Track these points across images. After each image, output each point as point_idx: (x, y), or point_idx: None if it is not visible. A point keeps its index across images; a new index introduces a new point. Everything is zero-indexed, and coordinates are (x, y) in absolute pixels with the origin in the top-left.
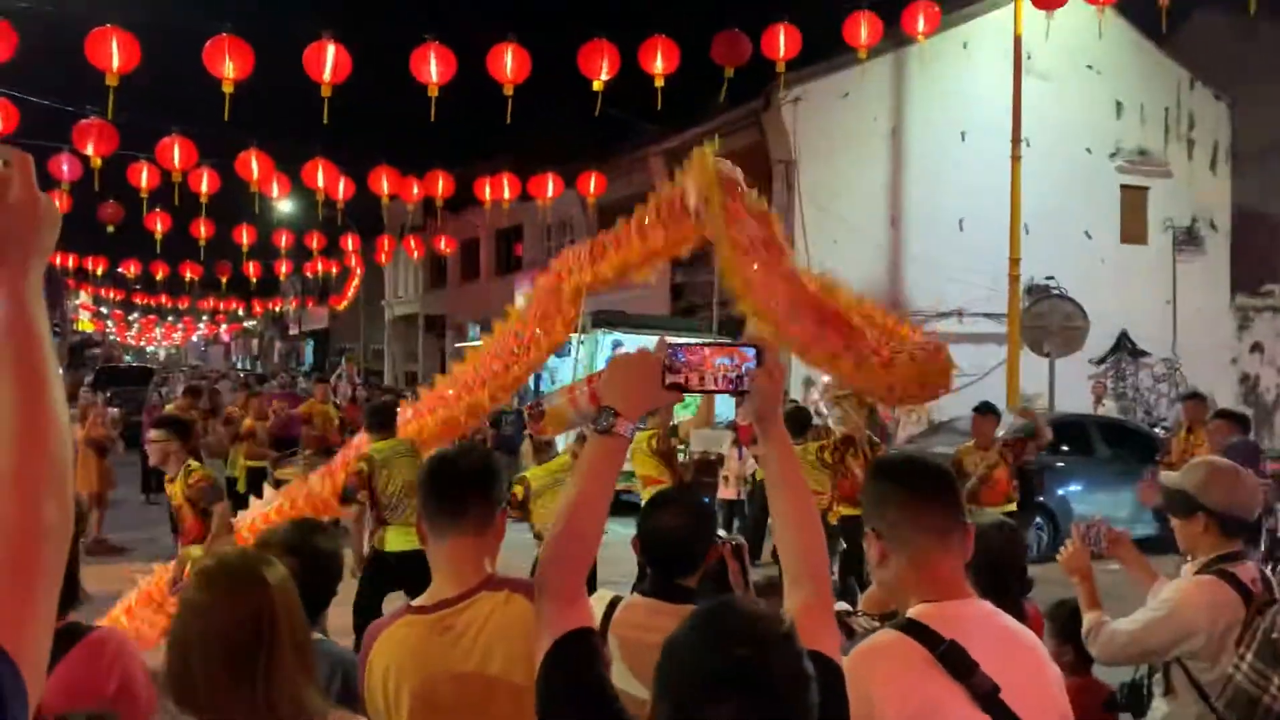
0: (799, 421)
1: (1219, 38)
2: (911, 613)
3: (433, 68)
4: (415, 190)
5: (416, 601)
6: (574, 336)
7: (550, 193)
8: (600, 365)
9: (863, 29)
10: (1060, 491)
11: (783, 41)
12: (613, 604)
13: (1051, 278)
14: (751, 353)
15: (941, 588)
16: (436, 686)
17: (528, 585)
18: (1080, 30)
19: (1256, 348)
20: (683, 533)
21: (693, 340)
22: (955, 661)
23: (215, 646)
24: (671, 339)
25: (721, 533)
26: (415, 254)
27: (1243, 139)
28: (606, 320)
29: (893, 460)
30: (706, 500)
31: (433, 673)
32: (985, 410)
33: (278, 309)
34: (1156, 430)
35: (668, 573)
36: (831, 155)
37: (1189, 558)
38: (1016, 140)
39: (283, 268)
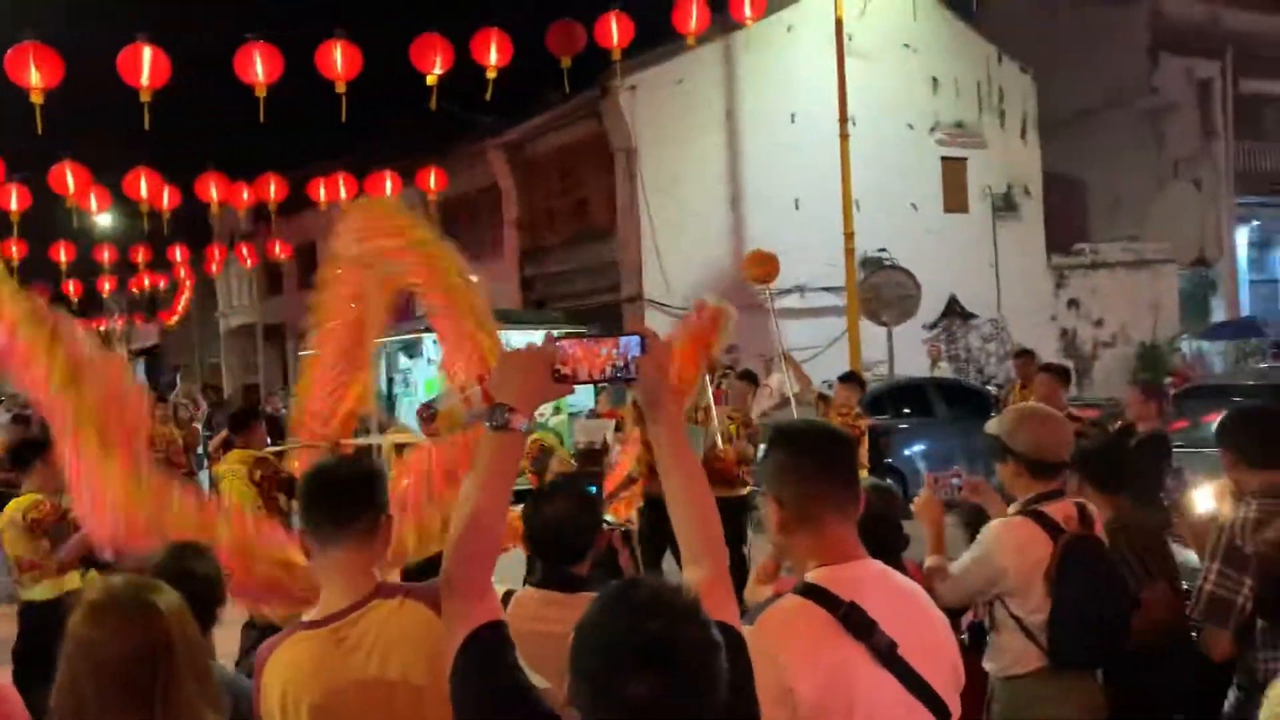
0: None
1: (1022, 13)
2: (810, 577)
3: (258, 68)
4: (246, 196)
5: (307, 617)
6: (425, 336)
7: (389, 191)
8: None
9: (692, 15)
10: (906, 452)
11: (615, 30)
12: (504, 599)
13: (884, 250)
14: (636, 340)
15: (838, 551)
16: (336, 698)
17: (422, 589)
18: (896, 10)
19: (1073, 304)
20: (569, 521)
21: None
22: (856, 622)
23: (109, 682)
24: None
25: (610, 518)
26: (249, 262)
27: (1048, 109)
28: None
29: (793, 429)
30: (592, 489)
31: (332, 685)
32: (848, 379)
33: (103, 329)
34: (989, 387)
35: (557, 562)
36: (670, 141)
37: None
38: (843, 119)
39: (106, 285)
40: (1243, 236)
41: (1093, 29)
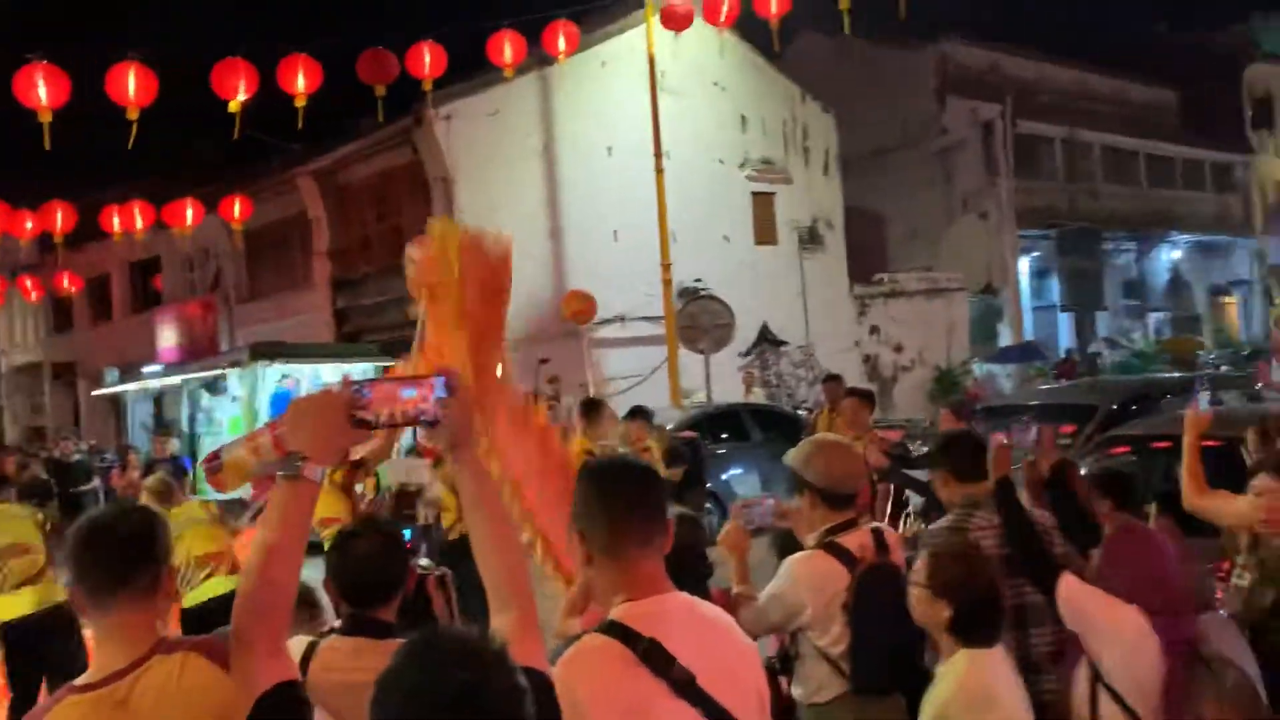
0: None
1: (823, 56)
2: (614, 613)
3: (41, 91)
4: (29, 225)
5: (80, 680)
6: (229, 372)
7: (190, 220)
8: (262, 401)
9: (506, 48)
10: (723, 476)
11: (428, 60)
12: (309, 650)
13: (700, 280)
14: (440, 382)
15: (643, 586)
16: None
17: (207, 643)
18: (705, 50)
19: (874, 330)
20: (376, 564)
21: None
22: (655, 657)
23: None
24: (356, 375)
25: (424, 562)
26: (33, 296)
27: (848, 147)
28: (266, 352)
29: (599, 465)
30: (405, 530)
31: None
32: (633, 414)
33: None
34: (799, 411)
35: (363, 607)
36: (487, 171)
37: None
38: (658, 154)
39: None
40: (1025, 266)
41: (887, 72)
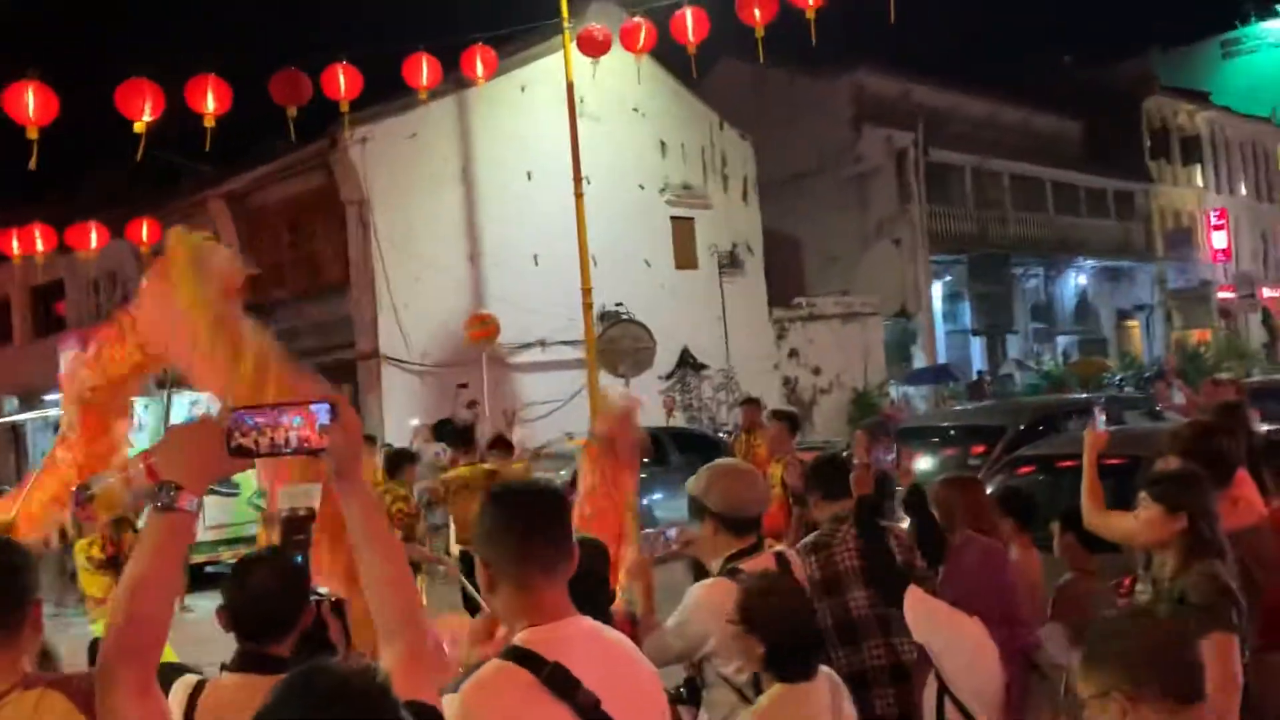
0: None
1: (741, 83)
2: (517, 639)
3: None
4: None
5: None
6: (137, 400)
7: (94, 243)
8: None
9: (423, 70)
10: (644, 501)
11: (343, 81)
12: (196, 689)
13: (620, 304)
14: (325, 408)
15: (547, 611)
16: None
17: (66, 680)
18: (624, 75)
19: (793, 354)
20: (271, 597)
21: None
22: (559, 682)
23: None
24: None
25: (323, 590)
26: None
27: (766, 172)
28: (175, 380)
29: (504, 490)
30: (299, 559)
31: None
32: (494, 443)
33: None
34: (720, 435)
35: (256, 642)
36: (406, 194)
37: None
38: (578, 179)
39: None
40: (938, 290)
41: (803, 99)
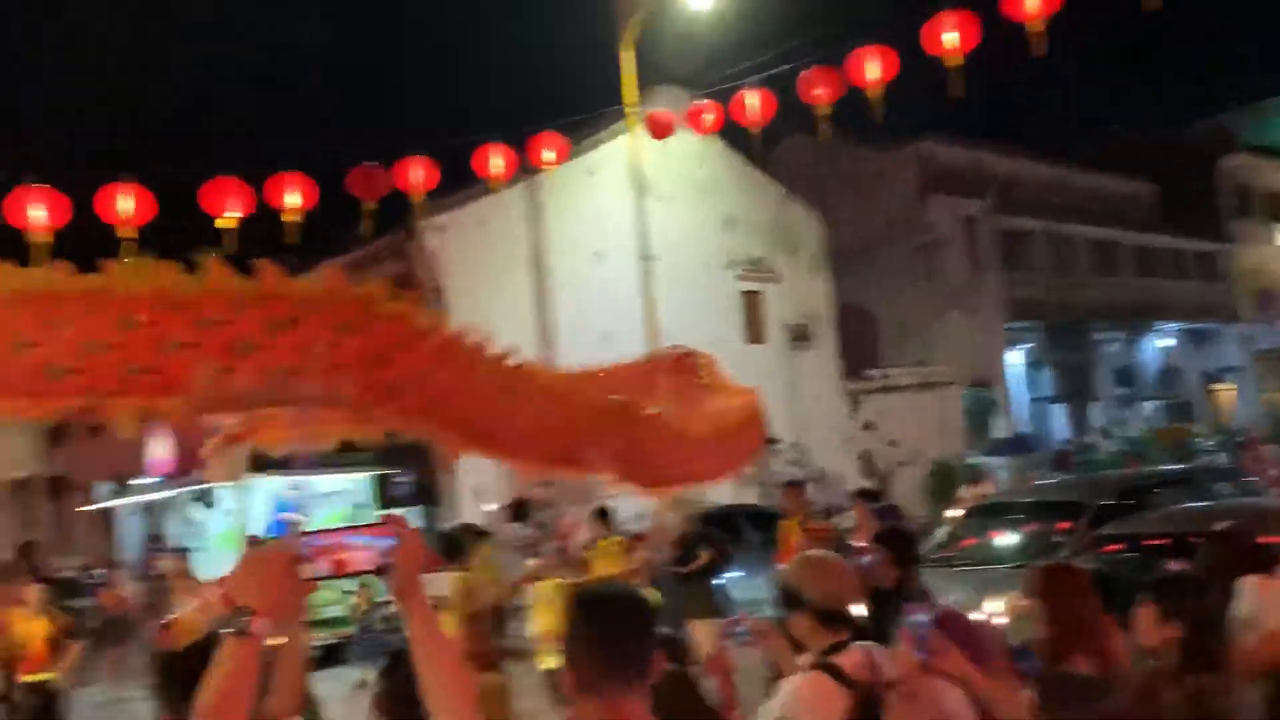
0: (451, 548)
1: (807, 156)
2: None
3: (35, 212)
4: None
5: None
6: (223, 486)
7: None
8: (259, 516)
9: (494, 160)
10: (719, 580)
11: (417, 174)
12: None
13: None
14: (389, 530)
15: None
16: None
17: None
18: (690, 155)
19: (868, 426)
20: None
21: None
22: None
23: None
24: (352, 485)
25: None
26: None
27: (835, 244)
28: (258, 464)
29: (590, 597)
30: None
31: None
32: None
33: None
34: None
35: None
36: (479, 279)
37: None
38: (646, 259)
39: None
40: (1016, 358)
41: (870, 171)
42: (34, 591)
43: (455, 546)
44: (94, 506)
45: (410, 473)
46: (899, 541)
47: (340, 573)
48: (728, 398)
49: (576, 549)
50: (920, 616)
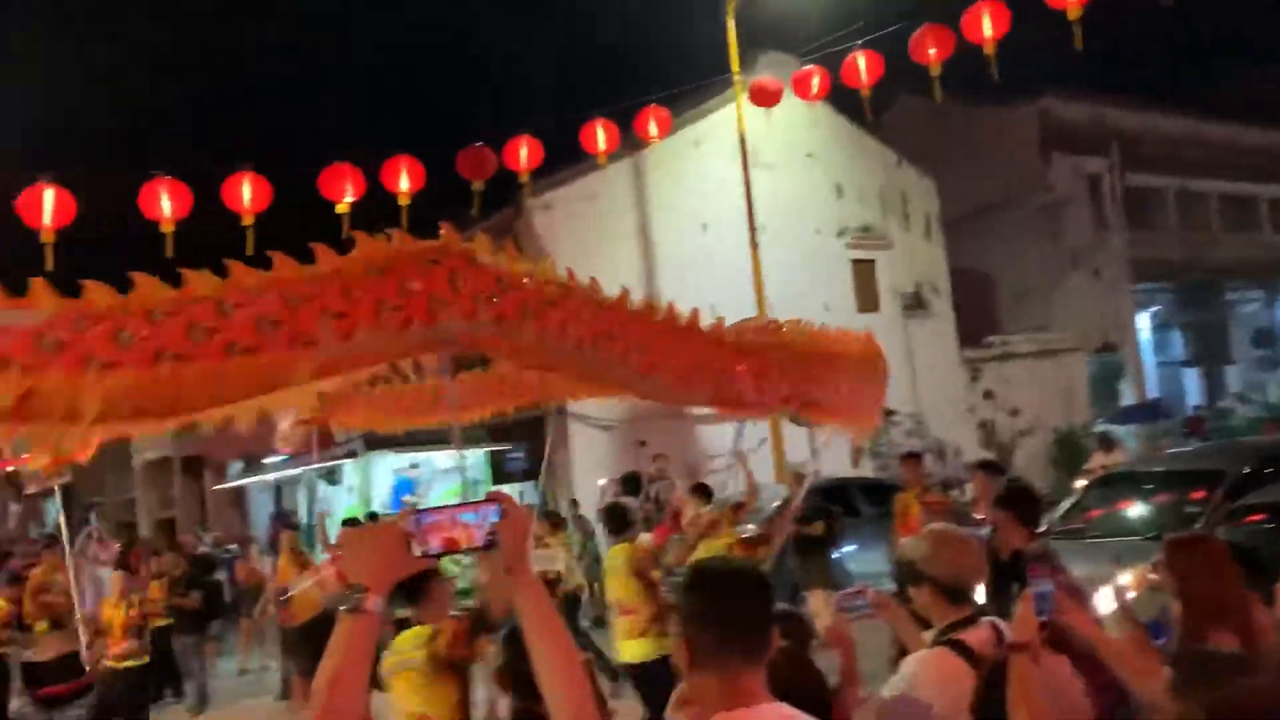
0: (616, 519)
1: (919, 118)
2: None
3: (164, 204)
4: None
5: None
6: (345, 463)
7: None
8: (378, 491)
9: (599, 136)
10: (836, 554)
11: (524, 153)
12: None
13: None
14: (494, 507)
15: (743, 696)
16: None
17: None
18: (798, 122)
19: (988, 395)
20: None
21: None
22: None
23: None
24: (468, 461)
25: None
26: None
27: (948, 208)
28: (379, 442)
29: (709, 571)
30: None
31: None
32: (695, 490)
33: (11, 468)
34: None
35: (525, 700)
36: (586, 255)
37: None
38: (753, 229)
39: None
40: (1144, 321)
41: (986, 131)
42: (118, 578)
43: (622, 519)
44: (226, 485)
45: (523, 448)
46: (1022, 501)
47: (451, 549)
48: (846, 335)
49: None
50: (1044, 581)
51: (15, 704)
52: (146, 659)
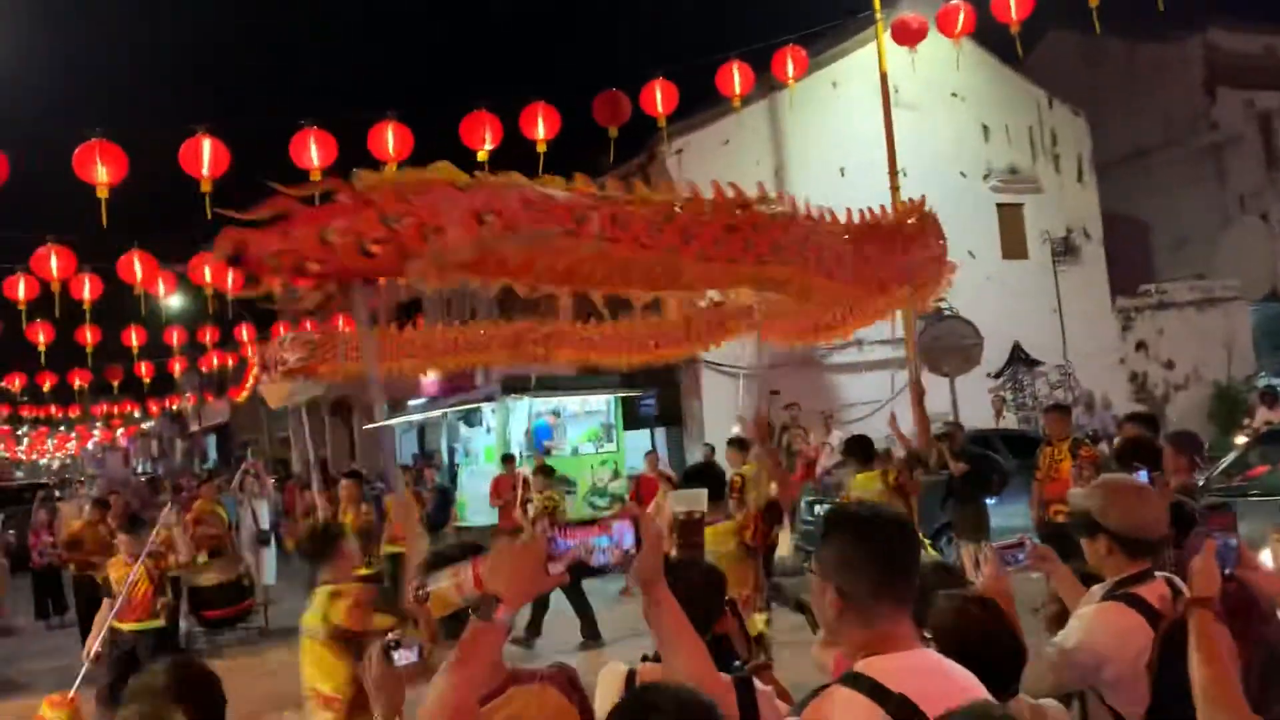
0: (865, 450)
1: (1071, 56)
2: (860, 666)
3: (313, 152)
4: None
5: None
6: (484, 406)
7: None
8: (514, 434)
9: (735, 78)
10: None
11: (660, 97)
12: (629, 677)
13: (942, 299)
14: (629, 526)
15: (893, 640)
16: None
17: (552, 675)
18: (941, 61)
19: (1141, 346)
20: (700, 596)
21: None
22: (905, 716)
23: None
24: (599, 406)
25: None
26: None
27: (1103, 150)
28: (516, 386)
29: (855, 517)
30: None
31: None
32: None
33: (175, 407)
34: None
35: None
36: None
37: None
38: (893, 172)
39: (177, 365)
40: None
41: (1145, 67)
42: (126, 541)
43: (867, 449)
44: (373, 425)
45: (654, 394)
46: (1193, 444)
47: (585, 568)
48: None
49: (822, 471)
50: (1229, 533)
51: (184, 625)
52: None
